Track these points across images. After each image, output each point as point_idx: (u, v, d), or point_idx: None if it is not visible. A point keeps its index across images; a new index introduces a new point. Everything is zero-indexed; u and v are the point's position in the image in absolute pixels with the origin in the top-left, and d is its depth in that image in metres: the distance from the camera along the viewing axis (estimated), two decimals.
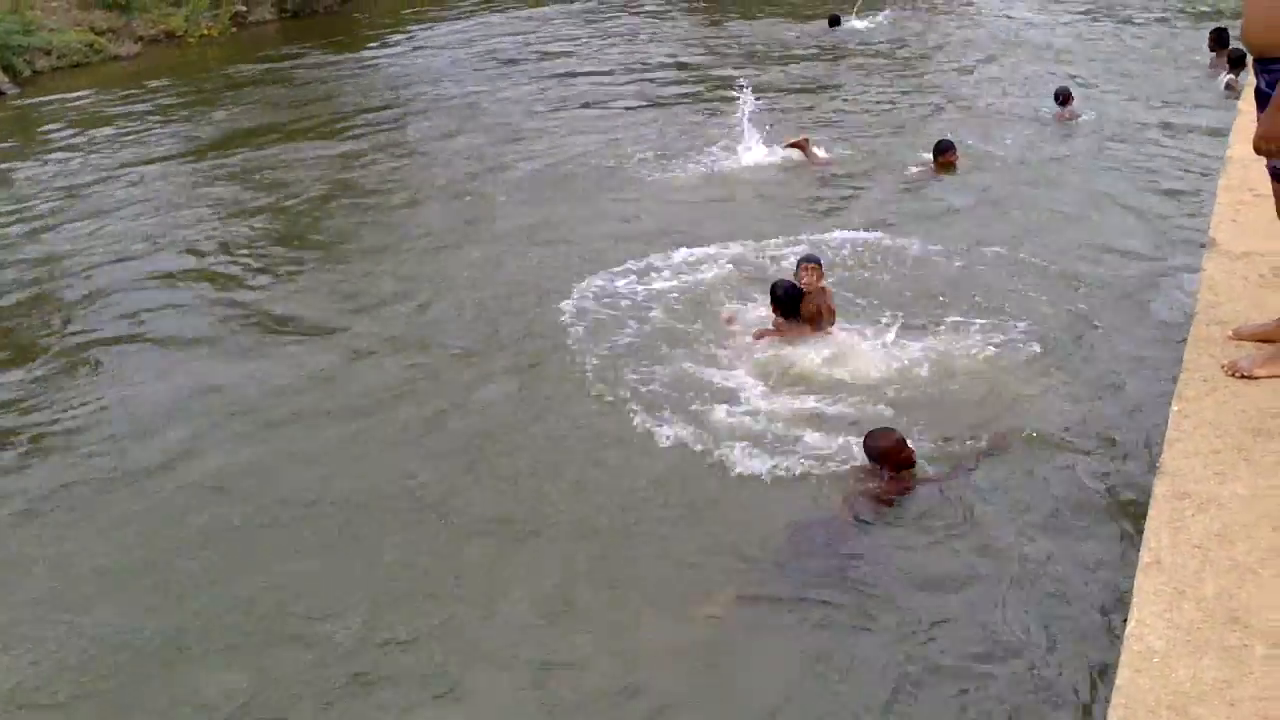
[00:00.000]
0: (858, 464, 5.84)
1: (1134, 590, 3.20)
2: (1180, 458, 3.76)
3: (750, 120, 12.10)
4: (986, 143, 12.12)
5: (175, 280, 9.67)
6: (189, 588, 5.46)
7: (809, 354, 7.08)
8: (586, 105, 15.28)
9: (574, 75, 17.22)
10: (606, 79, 16.91)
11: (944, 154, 11.22)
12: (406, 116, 15.33)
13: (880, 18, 20.05)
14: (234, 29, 20.81)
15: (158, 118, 15.67)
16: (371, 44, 19.95)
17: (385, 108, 15.80)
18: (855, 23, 19.60)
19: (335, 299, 9.01)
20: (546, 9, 22.43)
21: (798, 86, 15.42)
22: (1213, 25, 15.09)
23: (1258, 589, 3.12)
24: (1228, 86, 13.18)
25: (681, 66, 17.59)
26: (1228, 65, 13.29)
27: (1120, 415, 6.33)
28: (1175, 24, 18.03)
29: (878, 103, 14.53)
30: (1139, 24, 18.31)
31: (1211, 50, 14.25)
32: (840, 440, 6.08)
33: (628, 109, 14.93)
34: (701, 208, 10.71)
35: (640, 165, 12.06)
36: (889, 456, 5.68)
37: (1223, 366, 4.27)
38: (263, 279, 9.63)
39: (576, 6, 22.42)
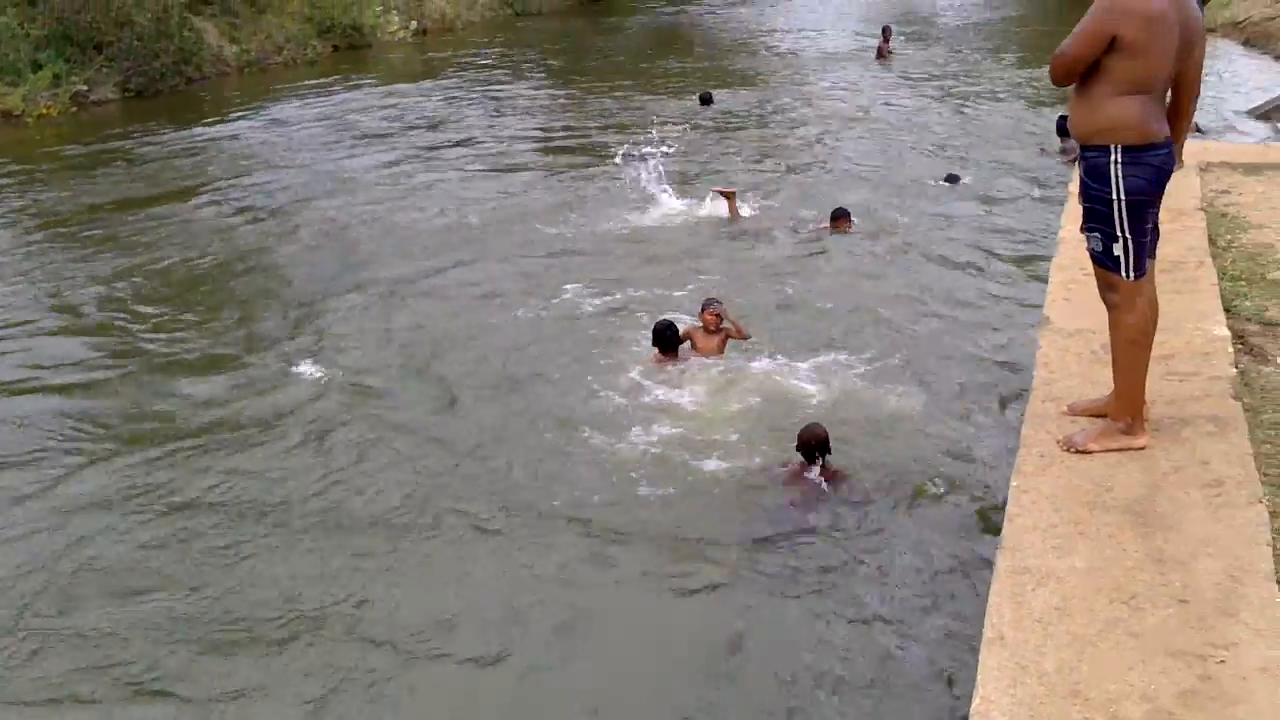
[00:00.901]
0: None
1: (979, 666, 3.22)
2: (1020, 532, 3.82)
3: (657, 178, 13.24)
4: (882, 208, 13.03)
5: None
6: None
7: (699, 377, 8.51)
8: (449, 170, 15.76)
9: (436, 145, 17.44)
10: (480, 147, 17.29)
11: (839, 219, 12.14)
12: (265, 184, 15.31)
13: (749, 96, 20.48)
14: (74, 108, 20.20)
15: None
16: (221, 120, 19.56)
17: (239, 176, 15.72)
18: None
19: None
20: (404, 85, 22.36)
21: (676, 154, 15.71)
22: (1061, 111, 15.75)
23: (1097, 662, 3.17)
24: (1061, 151, 14.20)
25: (550, 135, 18.01)
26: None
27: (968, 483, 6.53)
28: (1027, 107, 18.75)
29: (761, 169, 15.28)
30: (996, 103, 19.05)
31: (1059, 135, 14.84)
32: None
33: (503, 172, 15.62)
34: (613, 258, 11.68)
35: (535, 222, 12.89)
36: (810, 445, 6.98)
37: (1058, 442, 4.38)
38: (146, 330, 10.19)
39: (435, 83, 22.37)
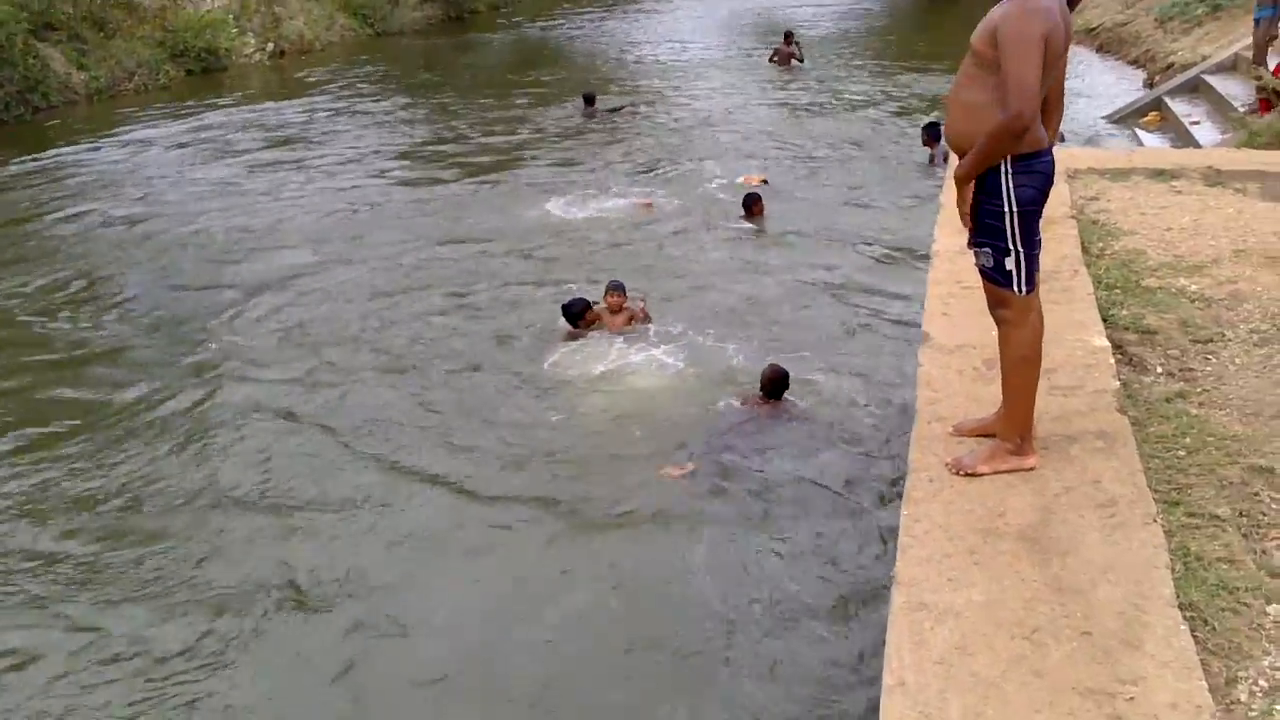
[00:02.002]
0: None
1: (881, 716, 3.02)
2: (914, 565, 3.65)
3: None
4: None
5: None
6: None
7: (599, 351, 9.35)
8: (320, 178, 15.99)
9: (303, 159, 17.42)
10: (351, 157, 17.34)
11: (752, 205, 12.78)
12: (125, 202, 15.18)
13: (625, 103, 20.47)
14: None
15: None
16: (69, 146, 18.75)
17: (93, 197, 15.44)
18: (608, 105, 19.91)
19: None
20: (263, 104, 21.74)
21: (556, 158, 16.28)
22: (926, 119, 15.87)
23: (1003, 705, 3.00)
24: (930, 160, 14.35)
25: (427, 143, 18.20)
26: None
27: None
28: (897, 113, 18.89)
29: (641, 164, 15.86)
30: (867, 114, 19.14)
31: (925, 145, 14.92)
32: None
33: (377, 177, 15.96)
34: (519, 253, 12.24)
35: (429, 221, 13.54)
36: (774, 381, 7.98)
37: (947, 465, 4.23)
38: None
39: (296, 102, 21.82)
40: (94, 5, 23.90)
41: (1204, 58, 17.51)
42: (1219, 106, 15.05)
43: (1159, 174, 8.08)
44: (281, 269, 11.98)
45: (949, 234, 6.86)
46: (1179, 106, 15.98)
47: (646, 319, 9.67)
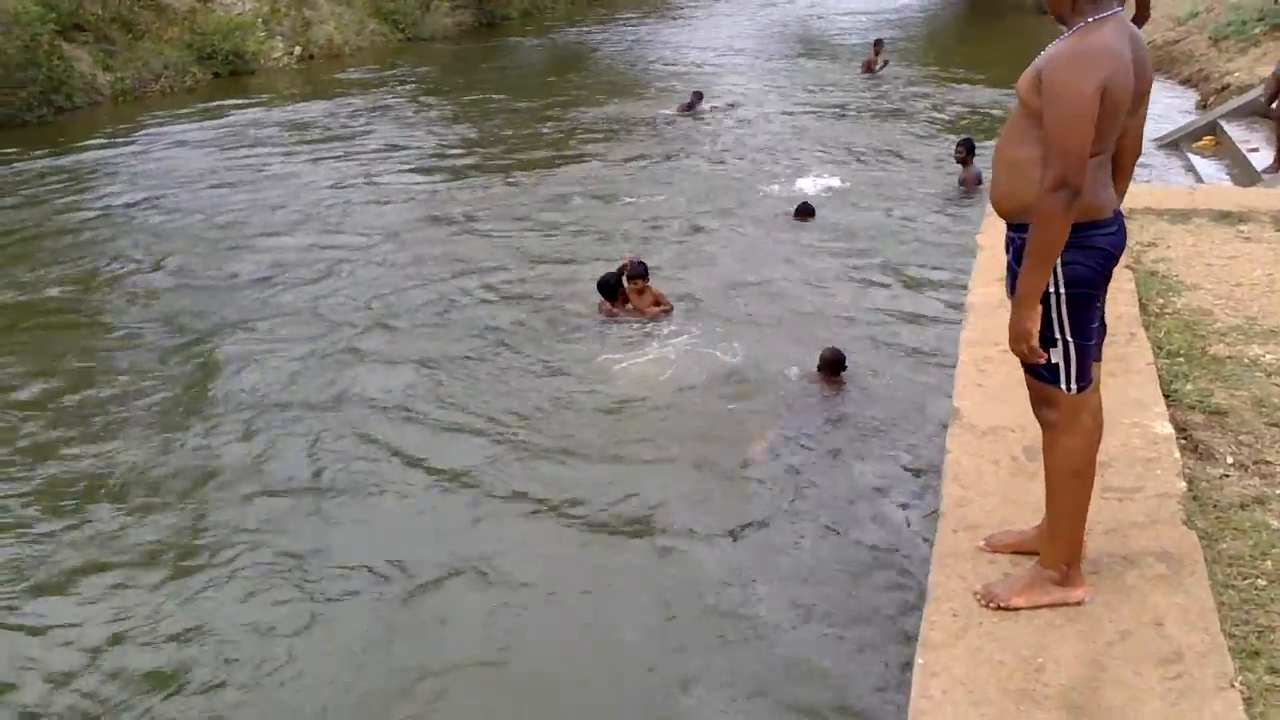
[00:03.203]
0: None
1: None
2: None
3: None
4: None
5: None
6: None
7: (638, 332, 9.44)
8: (354, 176, 15.74)
9: (331, 156, 17.09)
10: (388, 155, 17.07)
11: (802, 215, 12.54)
12: (147, 200, 14.79)
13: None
14: None
15: None
16: (89, 147, 18.20)
17: (113, 195, 15.07)
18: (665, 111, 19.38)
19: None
20: (289, 107, 21.20)
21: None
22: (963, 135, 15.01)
23: None
24: (961, 182, 13.42)
25: (472, 142, 17.64)
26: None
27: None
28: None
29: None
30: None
31: (959, 162, 13.98)
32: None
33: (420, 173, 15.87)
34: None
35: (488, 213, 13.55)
36: (829, 365, 8.17)
37: (976, 594, 3.49)
38: None
39: (324, 104, 21.30)
40: (123, 6, 23.42)
41: (1262, 80, 16.57)
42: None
43: (1224, 216, 7.28)
44: (308, 258, 12.00)
45: (985, 282, 6.11)
46: (1235, 131, 15.07)
47: (669, 309, 9.67)
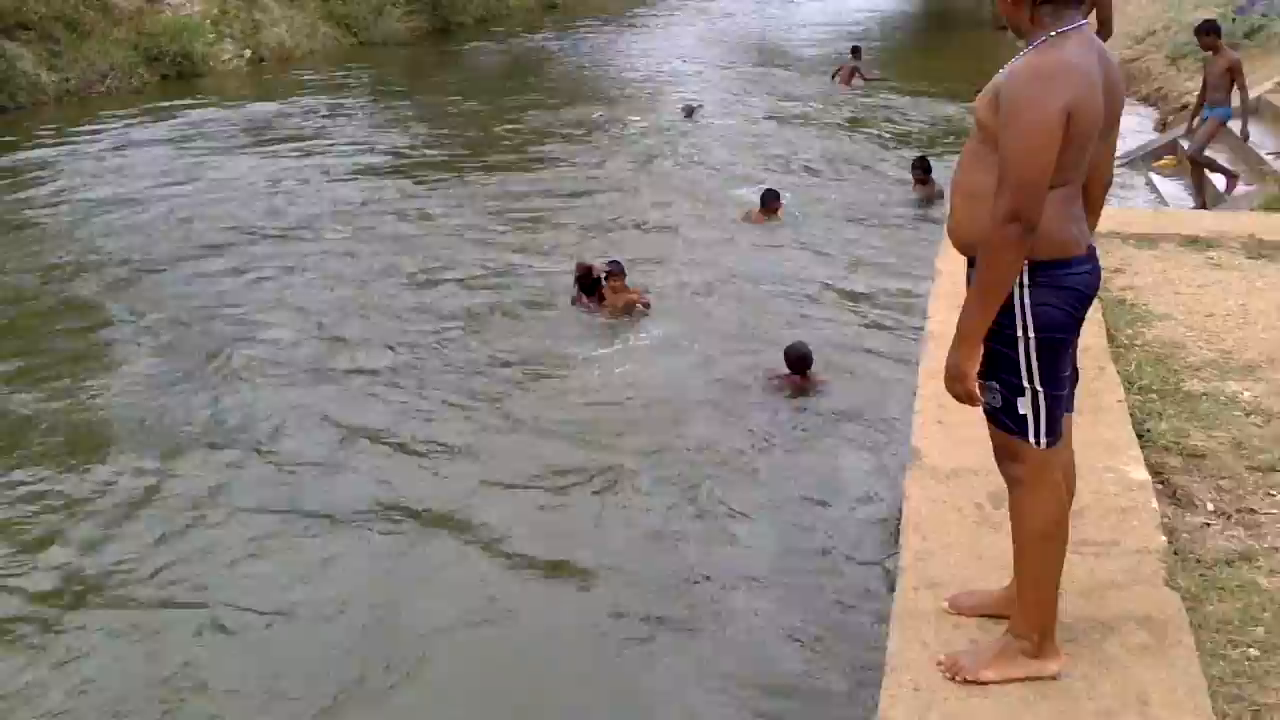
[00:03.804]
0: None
1: None
2: None
3: None
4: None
5: None
6: None
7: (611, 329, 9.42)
8: (301, 173, 15.44)
9: (285, 154, 16.83)
10: (342, 155, 16.74)
11: (769, 202, 12.46)
12: (96, 199, 14.15)
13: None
14: None
15: None
16: (34, 146, 17.69)
17: (59, 193, 14.59)
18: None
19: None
20: (237, 108, 20.66)
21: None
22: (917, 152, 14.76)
23: None
24: (919, 201, 13.22)
25: (425, 142, 17.42)
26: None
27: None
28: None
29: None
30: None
31: (917, 182, 13.70)
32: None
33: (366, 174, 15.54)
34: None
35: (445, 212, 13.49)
36: (795, 361, 8.08)
37: (940, 664, 3.13)
38: None
39: (274, 106, 20.76)
40: (67, 5, 22.75)
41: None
42: (1240, 153, 13.97)
43: (1192, 242, 7.01)
44: (265, 253, 11.80)
45: (945, 309, 5.78)
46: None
47: (646, 306, 9.67)
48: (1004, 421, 3.02)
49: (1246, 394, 4.94)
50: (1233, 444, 4.55)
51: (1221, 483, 4.31)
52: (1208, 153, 12.82)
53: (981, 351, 2.96)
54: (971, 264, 3.07)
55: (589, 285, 9.63)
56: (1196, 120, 12.86)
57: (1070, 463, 3.24)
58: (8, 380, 8.65)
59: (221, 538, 6.41)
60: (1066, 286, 2.94)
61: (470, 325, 9.64)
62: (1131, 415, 4.66)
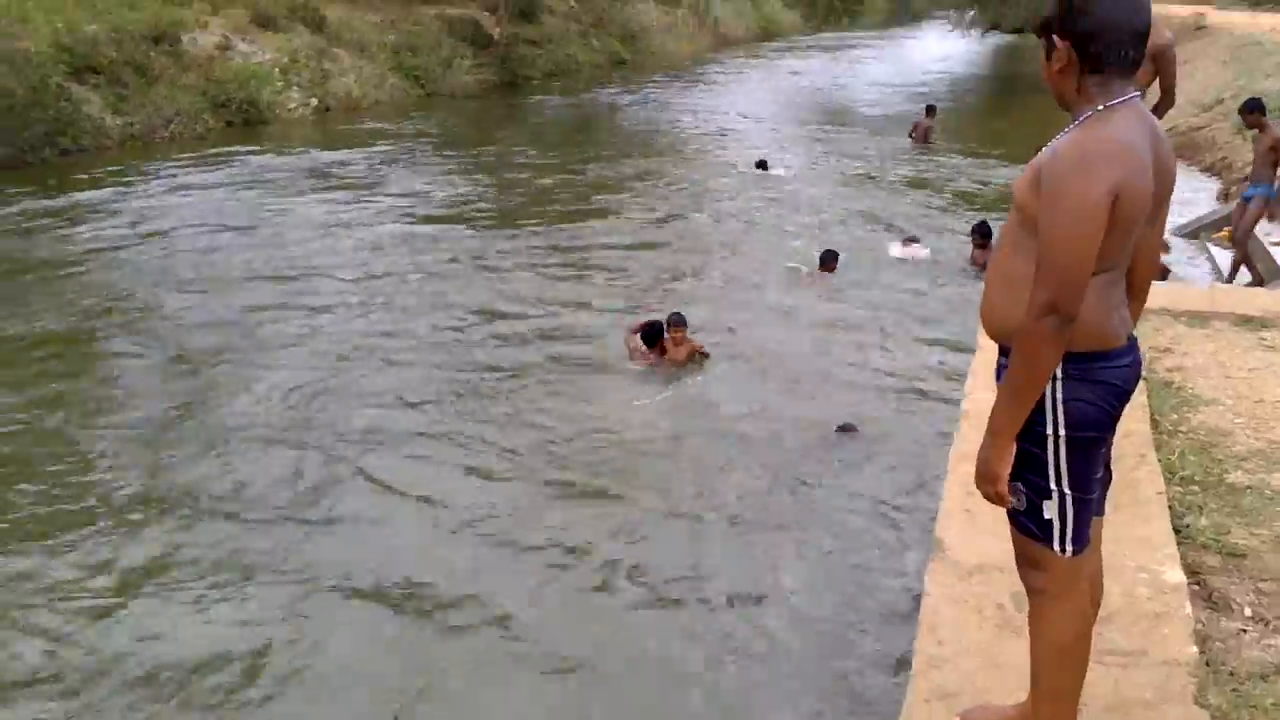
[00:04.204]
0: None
1: None
2: None
3: None
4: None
5: None
6: None
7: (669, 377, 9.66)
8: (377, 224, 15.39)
9: (352, 202, 16.94)
10: (411, 208, 16.88)
11: (827, 262, 12.78)
12: (152, 243, 14.27)
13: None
14: None
15: None
16: (92, 189, 17.94)
17: (113, 237, 14.33)
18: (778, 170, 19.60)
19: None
20: (300, 157, 20.90)
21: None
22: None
23: None
24: (973, 263, 13.16)
25: (493, 194, 17.03)
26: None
27: None
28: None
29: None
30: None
31: (976, 247, 13.51)
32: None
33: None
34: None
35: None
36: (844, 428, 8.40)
37: None
38: None
39: (337, 155, 21.03)
40: (138, 51, 23.23)
41: None
42: None
43: (1246, 321, 6.78)
44: (319, 300, 11.92)
45: (983, 386, 5.61)
46: (1259, 225, 14.55)
47: (705, 355, 9.93)
48: (1027, 525, 2.86)
49: None
50: (1276, 542, 4.32)
51: (1262, 585, 4.09)
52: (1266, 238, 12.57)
53: (1014, 450, 2.79)
54: (1004, 352, 2.91)
55: (651, 337, 9.76)
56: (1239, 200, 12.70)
57: (1098, 570, 3.07)
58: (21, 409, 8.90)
59: (247, 594, 6.37)
60: (1103, 381, 2.77)
61: (521, 376, 9.72)
62: (1171, 509, 4.45)
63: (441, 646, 5.92)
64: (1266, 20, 29.59)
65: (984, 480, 2.81)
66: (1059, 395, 2.75)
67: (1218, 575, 4.13)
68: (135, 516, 7.22)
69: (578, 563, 6.69)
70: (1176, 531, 4.30)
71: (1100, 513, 2.96)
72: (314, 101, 25.64)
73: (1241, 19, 33.28)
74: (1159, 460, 4.86)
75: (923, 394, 9.36)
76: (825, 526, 7.14)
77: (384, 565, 6.60)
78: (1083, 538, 2.83)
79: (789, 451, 8.23)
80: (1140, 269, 2.95)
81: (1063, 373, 2.73)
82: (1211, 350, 6.33)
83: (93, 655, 5.79)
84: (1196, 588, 4.02)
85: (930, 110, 23.15)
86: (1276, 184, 11.86)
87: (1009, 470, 2.79)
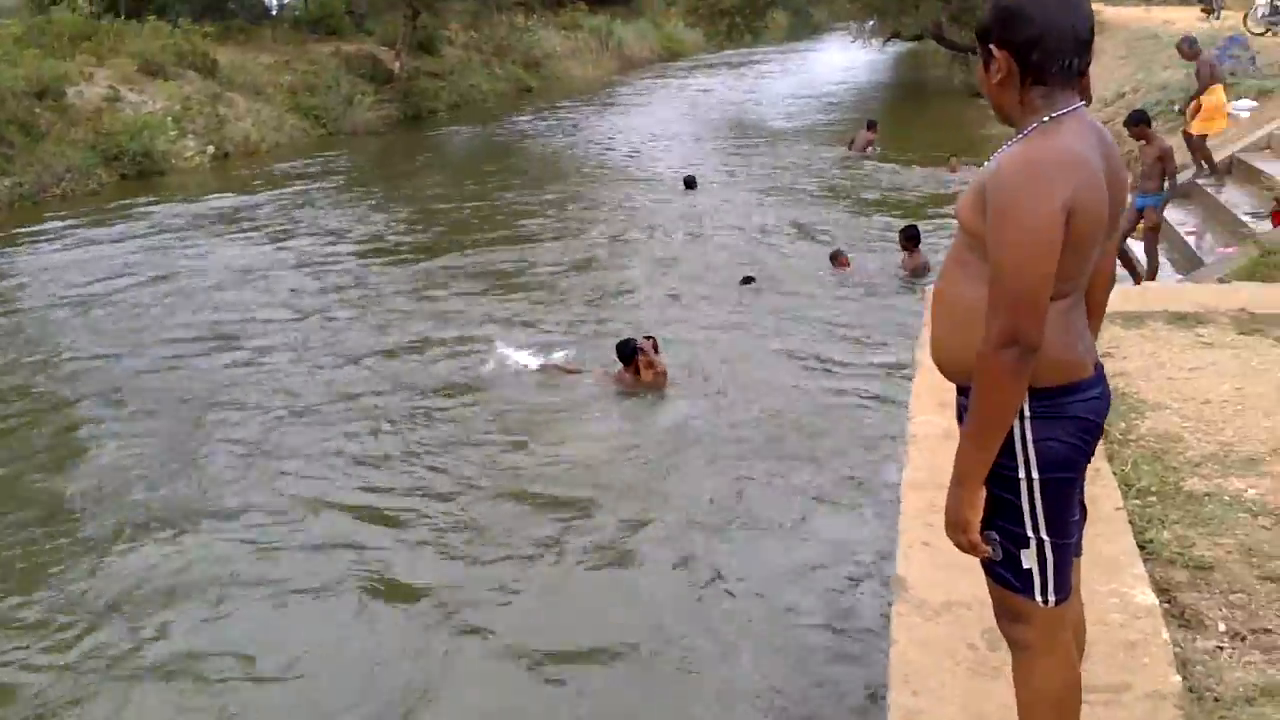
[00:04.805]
0: None
1: None
2: None
3: None
4: None
5: None
6: None
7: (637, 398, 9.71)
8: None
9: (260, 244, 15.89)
10: (324, 248, 16.46)
11: (837, 259, 13.39)
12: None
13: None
14: None
15: None
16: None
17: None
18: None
19: None
20: (197, 205, 20.35)
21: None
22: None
23: None
24: (902, 268, 13.19)
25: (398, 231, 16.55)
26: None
27: None
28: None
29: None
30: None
31: (903, 249, 13.46)
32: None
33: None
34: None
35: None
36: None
37: None
38: None
39: (238, 200, 20.50)
40: (20, 109, 22.46)
41: (1185, 166, 16.27)
42: (1216, 214, 13.81)
43: (1180, 319, 6.69)
44: (244, 343, 11.66)
45: (927, 407, 5.44)
46: (1172, 214, 14.68)
47: (665, 378, 9.95)
48: (1004, 576, 2.65)
49: (1251, 492, 4.58)
50: (1242, 551, 4.18)
51: (1233, 597, 3.94)
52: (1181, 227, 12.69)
53: (984, 496, 2.57)
54: (962, 392, 2.69)
55: (627, 356, 9.86)
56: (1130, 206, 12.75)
57: (1079, 612, 2.87)
58: None
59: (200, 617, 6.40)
60: (1074, 416, 2.57)
61: (473, 400, 9.77)
62: (1131, 524, 4.29)
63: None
64: (1158, 14, 30.12)
65: (954, 530, 2.60)
66: (1028, 436, 2.54)
67: (1187, 591, 3.97)
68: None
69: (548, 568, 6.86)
70: (1141, 548, 4.14)
71: (1079, 553, 2.76)
72: (211, 148, 24.99)
73: (1134, 13, 33.91)
74: (1114, 472, 4.72)
75: (867, 404, 9.43)
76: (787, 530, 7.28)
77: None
78: (1065, 585, 2.63)
79: (740, 466, 8.27)
80: (1097, 287, 2.77)
81: (1030, 411, 2.53)
82: (1151, 351, 6.23)
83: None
84: (1168, 606, 3.86)
85: (872, 125, 23.21)
86: (1164, 194, 11.86)
87: (980, 518, 2.57)
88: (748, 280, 12.97)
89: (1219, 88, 15.00)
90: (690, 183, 19.48)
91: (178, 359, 11.10)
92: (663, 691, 5.67)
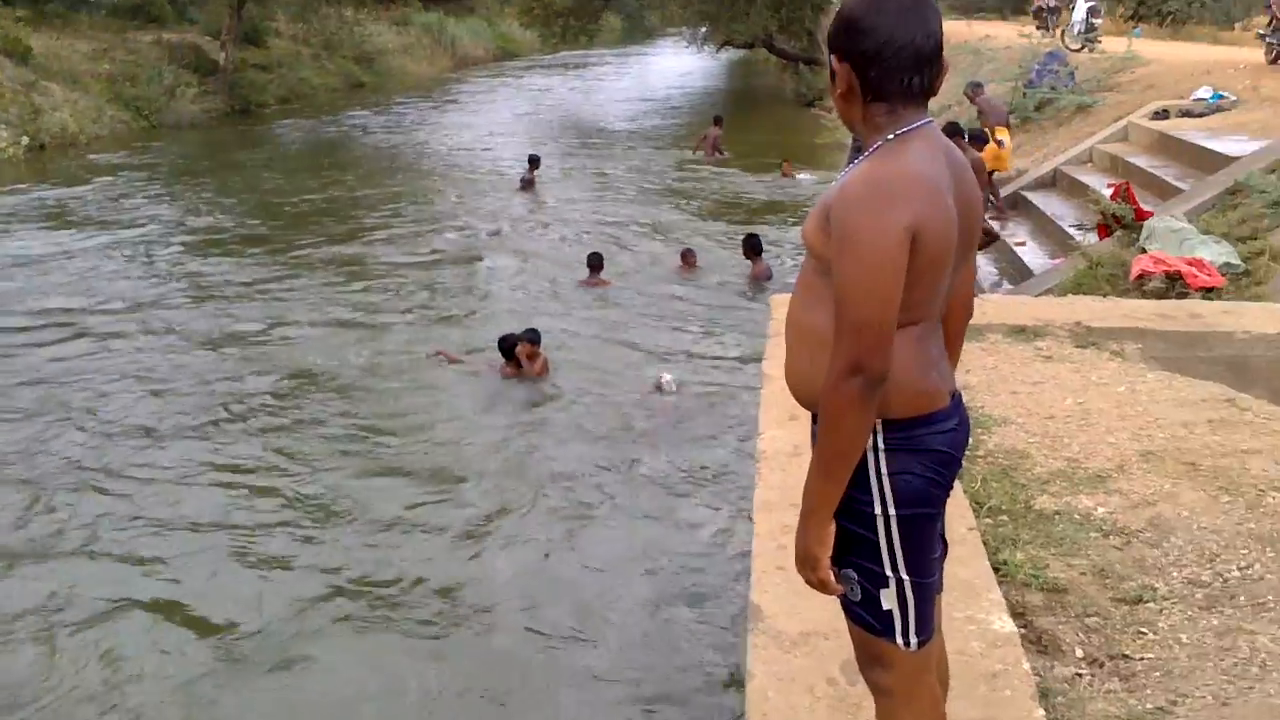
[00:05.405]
0: None
1: None
2: None
3: None
4: None
5: None
6: None
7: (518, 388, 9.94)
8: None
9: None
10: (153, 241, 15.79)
11: (686, 258, 13.63)
12: None
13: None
14: None
15: None
16: None
17: None
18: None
19: None
20: (25, 194, 19.24)
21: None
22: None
23: None
24: (753, 279, 13.22)
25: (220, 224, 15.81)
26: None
27: None
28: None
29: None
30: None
31: (746, 257, 13.51)
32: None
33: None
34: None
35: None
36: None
37: None
38: None
39: (60, 193, 19.32)
40: None
41: (1020, 173, 16.73)
42: (1043, 225, 14.16)
43: (1019, 331, 6.73)
44: (95, 333, 11.29)
45: (776, 421, 5.31)
46: (1000, 226, 15.05)
47: (547, 370, 10.17)
48: (864, 617, 2.50)
49: (1100, 510, 4.57)
50: (1095, 572, 4.15)
51: (1088, 620, 3.90)
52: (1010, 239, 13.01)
53: (833, 530, 2.42)
54: (815, 419, 2.54)
55: (509, 350, 10.04)
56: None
57: (942, 647, 2.74)
58: None
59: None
60: (929, 449, 2.44)
61: (341, 393, 9.71)
62: (985, 544, 4.22)
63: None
64: (980, 28, 30.94)
65: (803, 565, 2.45)
66: (883, 469, 2.41)
67: (1042, 615, 3.92)
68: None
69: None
70: (995, 570, 4.07)
71: (940, 589, 2.63)
72: (25, 139, 23.71)
73: (954, 27, 34.81)
74: (964, 490, 4.65)
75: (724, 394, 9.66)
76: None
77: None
78: (927, 626, 2.50)
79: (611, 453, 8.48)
80: (956, 313, 2.65)
81: (883, 443, 2.40)
82: (992, 365, 6.24)
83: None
84: (1024, 631, 3.79)
85: (718, 120, 23.50)
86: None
87: (829, 554, 2.43)
88: (594, 258, 13.16)
89: (1003, 129, 15.80)
90: (534, 161, 19.51)
91: (9, 348, 10.72)
92: (530, 675, 5.74)
